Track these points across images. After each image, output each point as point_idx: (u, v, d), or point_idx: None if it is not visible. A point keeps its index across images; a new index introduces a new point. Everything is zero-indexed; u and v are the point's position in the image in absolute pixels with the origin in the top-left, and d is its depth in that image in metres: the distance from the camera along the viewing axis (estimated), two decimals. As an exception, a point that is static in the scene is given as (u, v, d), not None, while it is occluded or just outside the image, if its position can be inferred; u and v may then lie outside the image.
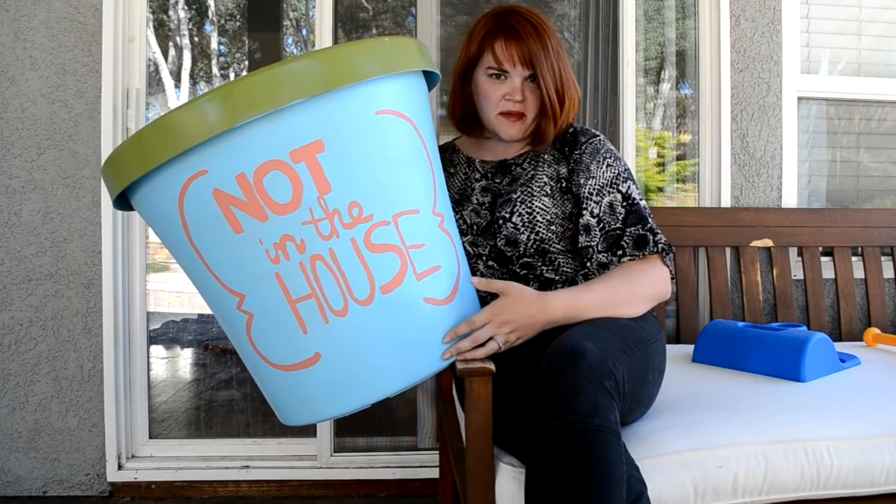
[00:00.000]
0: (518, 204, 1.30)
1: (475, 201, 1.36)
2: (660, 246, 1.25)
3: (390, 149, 1.02)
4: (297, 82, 0.92)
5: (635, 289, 1.22)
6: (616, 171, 1.30)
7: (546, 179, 1.32)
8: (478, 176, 1.39)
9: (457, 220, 1.35)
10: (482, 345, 1.11)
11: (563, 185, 1.32)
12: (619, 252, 1.25)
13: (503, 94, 1.31)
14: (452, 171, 1.44)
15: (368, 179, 0.99)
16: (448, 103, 1.43)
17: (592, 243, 1.27)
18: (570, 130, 1.36)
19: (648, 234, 1.26)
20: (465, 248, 1.34)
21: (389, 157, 1.01)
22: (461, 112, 1.39)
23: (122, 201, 1.08)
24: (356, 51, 0.98)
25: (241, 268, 0.99)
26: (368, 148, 0.99)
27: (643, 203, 1.30)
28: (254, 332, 1.03)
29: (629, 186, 1.29)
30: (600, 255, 1.27)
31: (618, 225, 1.27)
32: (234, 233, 0.96)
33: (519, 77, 1.30)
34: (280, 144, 0.93)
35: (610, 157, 1.31)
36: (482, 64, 1.33)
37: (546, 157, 1.36)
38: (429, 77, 1.21)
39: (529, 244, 1.29)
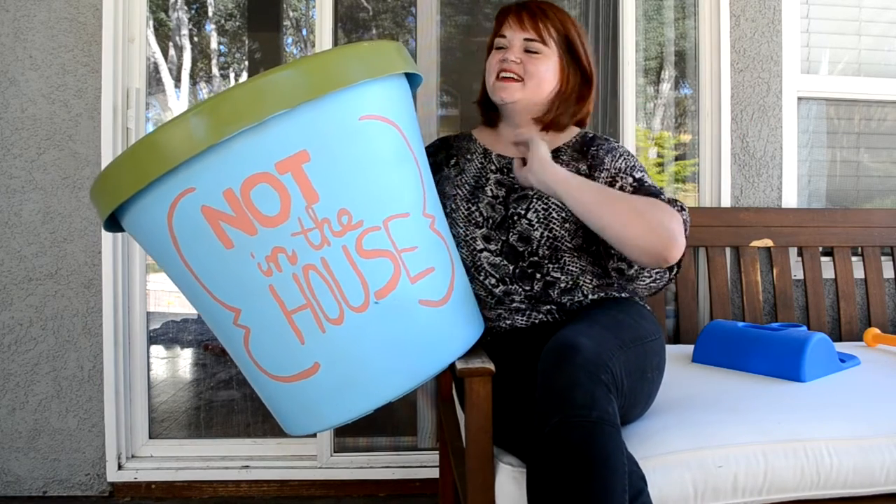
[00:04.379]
0: (534, 200, 1.31)
1: (489, 193, 1.36)
2: (675, 204, 1.21)
3: (376, 153, 1.01)
4: (279, 93, 0.91)
5: (655, 210, 1.15)
6: (631, 164, 1.31)
7: None
8: (493, 168, 1.39)
9: (473, 213, 1.35)
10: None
11: None
12: None
13: (498, 59, 1.35)
14: (469, 157, 1.43)
15: (356, 186, 0.99)
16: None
17: None
18: (588, 136, 1.39)
19: (660, 196, 1.22)
20: (475, 242, 1.33)
21: (376, 162, 1.01)
22: (482, 98, 1.46)
23: (112, 223, 1.08)
24: (335, 58, 0.97)
25: (234, 283, 0.99)
26: (354, 154, 0.99)
27: (657, 189, 1.27)
28: (252, 345, 1.03)
29: (643, 175, 1.30)
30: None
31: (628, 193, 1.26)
32: (225, 248, 0.96)
33: (517, 41, 1.34)
34: (265, 157, 0.93)
35: (626, 154, 1.34)
36: (494, 43, 1.38)
37: (563, 157, 1.36)
38: (411, 79, 1.21)
39: (542, 241, 1.29)
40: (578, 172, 1.32)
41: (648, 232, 1.14)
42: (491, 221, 1.34)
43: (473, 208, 1.35)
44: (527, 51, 1.33)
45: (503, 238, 1.32)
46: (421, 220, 1.08)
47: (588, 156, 1.34)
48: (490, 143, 1.45)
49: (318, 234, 0.96)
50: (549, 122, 1.38)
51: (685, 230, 1.19)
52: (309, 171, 0.95)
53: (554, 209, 1.30)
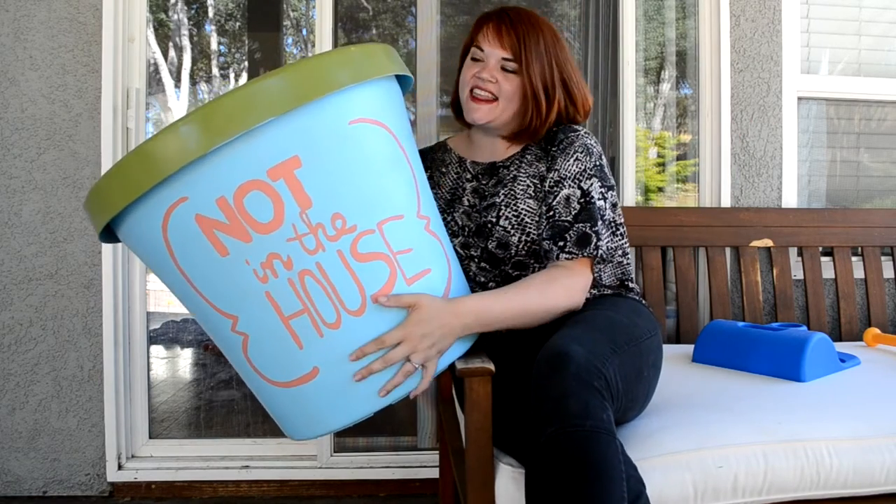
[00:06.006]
0: (503, 208, 1.29)
1: (466, 203, 1.36)
2: (599, 251, 1.23)
3: (368, 157, 1.01)
4: (268, 100, 0.91)
5: (548, 303, 1.19)
6: (582, 167, 1.27)
7: (528, 181, 1.30)
8: (469, 176, 1.39)
9: (448, 222, 1.35)
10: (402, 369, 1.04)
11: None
12: (561, 243, 1.23)
13: (474, 73, 1.30)
14: (444, 170, 1.43)
15: (349, 190, 0.99)
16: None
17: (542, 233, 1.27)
18: (553, 131, 1.34)
19: (593, 235, 1.23)
20: (456, 250, 1.33)
21: (368, 166, 1.01)
22: (455, 100, 1.41)
23: (108, 234, 1.07)
24: (324, 63, 0.97)
25: (231, 290, 0.99)
26: (346, 158, 0.98)
27: (601, 203, 1.26)
28: (251, 352, 1.03)
29: (592, 184, 1.26)
30: (544, 242, 1.25)
31: (568, 218, 1.24)
32: (220, 256, 0.96)
33: (494, 58, 1.29)
34: (257, 164, 0.93)
35: (580, 152, 1.28)
36: (470, 51, 1.34)
37: (528, 157, 1.34)
38: (401, 81, 1.20)
39: (521, 245, 1.28)
40: (540, 175, 1.30)
41: (544, 316, 1.20)
42: (468, 230, 1.33)
43: (448, 218, 1.35)
44: (503, 68, 1.29)
45: (482, 245, 1.31)
46: (415, 222, 1.08)
47: (549, 156, 1.31)
48: (464, 150, 1.43)
49: (312, 239, 0.96)
50: (520, 134, 1.34)
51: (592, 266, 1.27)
52: (301, 176, 0.95)
53: (525, 214, 1.28)
